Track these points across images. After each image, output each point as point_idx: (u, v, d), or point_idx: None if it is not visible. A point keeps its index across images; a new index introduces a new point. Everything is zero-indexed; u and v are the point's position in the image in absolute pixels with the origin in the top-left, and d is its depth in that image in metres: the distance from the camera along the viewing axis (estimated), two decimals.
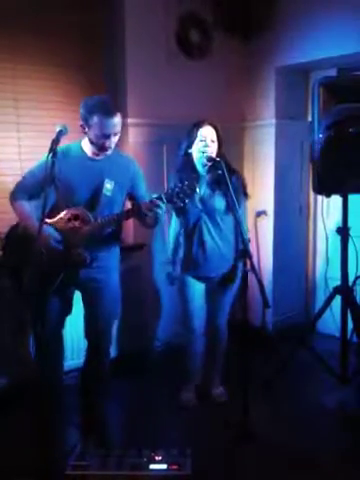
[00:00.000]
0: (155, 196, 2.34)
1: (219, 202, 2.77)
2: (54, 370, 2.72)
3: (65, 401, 2.84)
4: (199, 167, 2.76)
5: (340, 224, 3.00)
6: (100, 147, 2.42)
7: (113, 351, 3.33)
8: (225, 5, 3.53)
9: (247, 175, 3.96)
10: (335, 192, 3.00)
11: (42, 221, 2.17)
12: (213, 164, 2.67)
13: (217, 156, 2.66)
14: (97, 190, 2.44)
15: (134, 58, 3.32)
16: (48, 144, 2.32)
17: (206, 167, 2.74)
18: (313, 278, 4.18)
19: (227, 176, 2.54)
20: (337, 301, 3.07)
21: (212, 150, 2.70)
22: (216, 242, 2.77)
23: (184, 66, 3.51)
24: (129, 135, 3.36)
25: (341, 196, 2.99)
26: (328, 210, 3.74)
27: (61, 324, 2.70)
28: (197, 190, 2.32)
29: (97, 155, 2.47)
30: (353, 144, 2.71)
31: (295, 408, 2.93)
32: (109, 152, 2.45)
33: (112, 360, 3.30)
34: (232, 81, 3.78)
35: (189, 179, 2.69)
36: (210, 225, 2.77)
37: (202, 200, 2.75)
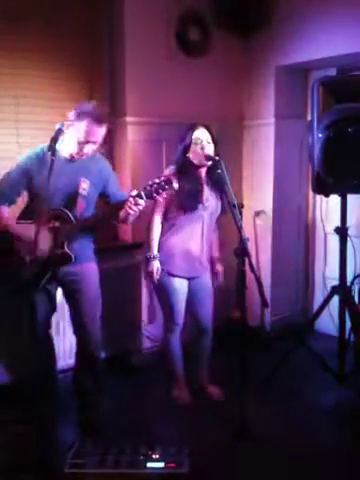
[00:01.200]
0: (134, 193, 2.37)
1: (216, 203, 2.83)
2: (49, 369, 2.74)
3: (62, 400, 2.84)
4: (198, 168, 2.77)
5: (338, 224, 3.00)
6: (79, 150, 2.46)
7: (110, 350, 3.35)
8: (225, 3, 3.53)
9: (246, 174, 3.98)
10: (334, 192, 3.00)
11: (39, 222, 2.23)
12: (212, 164, 2.67)
13: (216, 156, 2.66)
14: (74, 190, 2.48)
15: (133, 56, 3.31)
16: (47, 142, 2.33)
17: (205, 168, 2.76)
18: (311, 278, 4.19)
19: (226, 175, 2.54)
20: (335, 301, 3.07)
21: (209, 151, 2.71)
22: (207, 242, 2.86)
23: (183, 64, 3.51)
24: (128, 133, 3.36)
25: (340, 196, 2.99)
26: (327, 210, 3.74)
27: (49, 323, 2.73)
28: (175, 185, 2.35)
29: (73, 157, 2.51)
30: (352, 144, 2.71)
31: (293, 407, 2.93)
32: (85, 156, 2.50)
33: (109, 359, 3.32)
34: (231, 80, 3.78)
35: (191, 183, 2.74)
36: (207, 225, 2.82)
37: (207, 200, 2.80)
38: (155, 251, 2.84)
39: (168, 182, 2.33)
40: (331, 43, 3.29)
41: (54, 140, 2.29)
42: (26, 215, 2.51)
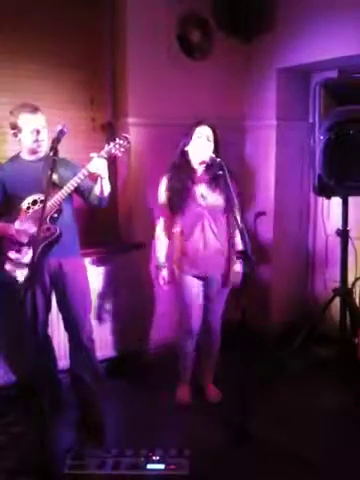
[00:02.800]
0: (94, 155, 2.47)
1: (218, 200, 2.79)
2: (48, 368, 2.75)
3: (63, 400, 2.84)
4: (195, 165, 2.78)
5: (340, 226, 3.00)
6: (33, 147, 2.55)
7: (111, 352, 3.34)
8: (226, 6, 3.54)
9: (247, 176, 3.97)
10: (335, 194, 3.00)
11: (41, 219, 2.27)
12: (211, 163, 2.68)
13: (216, 157, 2.66)
14: (44, 183, 2.49)
15: (135, 58, 3.32)
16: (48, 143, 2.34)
17: (202, 166, 2.77)
18: (312, 280, 4.18)
19: (227, 176, 2.55)
20: (336, 303, 3.07)
21: (208, 148, 2.71)
22: (218, 239, 2.80)
23: (185, 66, 3.50)
24: (130, 135, 3.35)
25: (341, 198, 2.99)
26: (328, 212, 3.74)
27: (47, 322, 2.75)
28: (129, 141, 2.50)
29: (36, 153, 2.60)
30: (353, 146, 2.72)
31: (294, 409, 2.92)
32: (42, 149, 2.58)
33: (110, 360, 3.31)
34: (233, 82, 3.78)
35: (185, 176, 2.74)
36: (212, 222, 2.78)
37: (204, 197, 2.78)
38: (161, 259, 2.85)
39: (124, 138, 2.48)
40: (332, 45, 3.29)
41: (56, 140, 2.37)
42: (10, 214, 2.58)
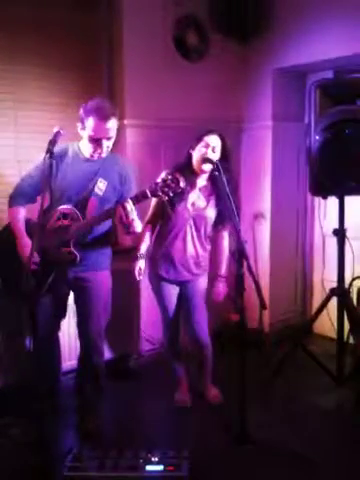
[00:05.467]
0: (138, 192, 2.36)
1: (210, 212, 2.78)
2: (50, 372, 2.72)
3: (63, 402, 2.83)
4: (197, 170, 2.76)
5: (337, 226, 3.01)
6: (94, 149, 2.45)
7: (109, 353, 3.34)
8: (222, 8, 3.55)
9: (244, 177, 3.98)
10: (332, 194, 3.01)
11: (39, 224, 2.21)
12: (212, 172, 2.66)
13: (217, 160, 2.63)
14: (89, 189, 2.46)
15: (132, 60, 3.32)
16: (45, 145, 2.33)
17: (205, 174, 2.75)
18: (310, 280, 4.19)
19: (223, 178, 2.52)
20: (333, 303, 3.07)
21: (210, 156, 2.67)
22: (196, 249, 2.79)
23: (181, 68, 3.52)
24: (127, 136, 3.36)
25: (338, 198, 3.00)
26: (325, 212, 3.75)
27: (56, 327, 2.71)
28: (182, 184, 2.29)
29: (92, 156, 2.49)
30: (349, 146, 2.72)
31: (292, 409, 2.93)
32: (103, 154, 2.48)
33: (108, 362, 3.30)
34: (229, 83, 3.79)
35: (185, 179, 2.73)
36: (194, 231, 2.77)
37: (193, 205, 2.76)
38: (141, 250, 2.82)
39: (175, 180, 2.28)
40: (328, 46, 3.30)
41: (52, 143, 2.30)
42: (48, 214, 2.48)
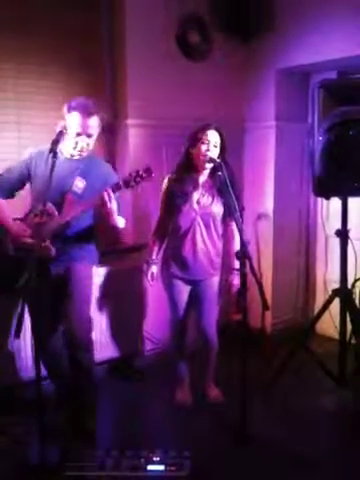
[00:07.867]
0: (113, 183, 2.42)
1: (217, 208, 2.78)
2: (55, 369, 2.71)
3: (63, 402, 2.83)
4: (199, 169, 2.76)
5: (339, 226, 3.00)
6: (74, 145, 2.50)
7: (110, 353, 3.34)
8: (225, 6, 3.54)
9: (247, 177, 3.98)
10: (335, 195, 3.00)
11: (26, 217, 2.38)
12: (214, 168, 2.67)
13: (221, 160, 2.64)
14: (67, 188, 2.50)
15: (134, 59, 3.32)
16: (48, 144, 2.34)
17: (207, 170, 2.76)
18: (312, 280, 4.18)
19: (227, 177, 2.54)
20: (336, 303, 3.07)
21: (212, 154, 2.69)
22: (207, 246, 2.79)
23: (184, 67, 3.51)
24: (129, 136, 3.36)
25: (340, 199, 2.99)
26: (328, 212, 3.75)
27: (56, 327, 2.68)
28: (152, 174, 2.37)
29: (73, 155, 2.54)
30: (353, 146, 2.71)
31: (294, 410, 2.93)
32: (84, 153, 2.52)
33: (110, 362, 3.31)
34: (232, 82, 3.78)
35: (187, 179, 2.74)
36: (203, 229, 2.78)
37: (199, 203, 2.77)
38: (153, 255, 2.86)
39: (147, 171, 2.37)
40: (331, 46, 3.29)
41: (55, 142, 2.34)
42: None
